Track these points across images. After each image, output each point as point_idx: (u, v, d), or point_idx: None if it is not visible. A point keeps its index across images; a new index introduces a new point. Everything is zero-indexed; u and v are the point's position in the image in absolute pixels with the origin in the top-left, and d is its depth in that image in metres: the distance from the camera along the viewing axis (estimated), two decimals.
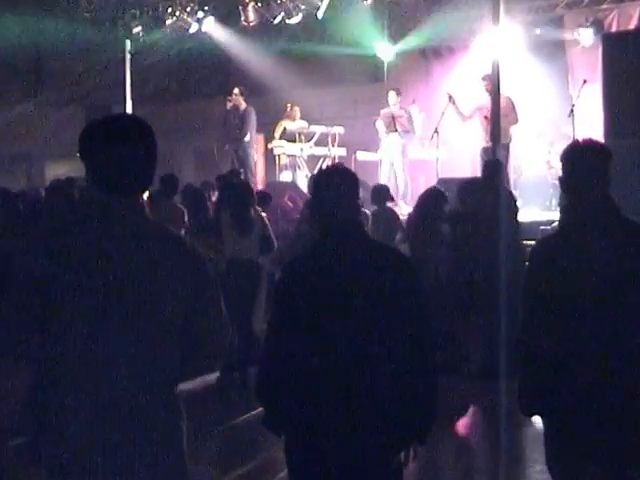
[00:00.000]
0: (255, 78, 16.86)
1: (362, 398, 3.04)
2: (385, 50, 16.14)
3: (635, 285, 3.27)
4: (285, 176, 14.52)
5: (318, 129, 14.44)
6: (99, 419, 2.56)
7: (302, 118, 14.58)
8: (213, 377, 7.47)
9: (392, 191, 10.32)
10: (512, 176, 11.55)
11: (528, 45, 14.04)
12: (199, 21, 15.80)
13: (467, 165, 13.35)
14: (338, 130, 14.33)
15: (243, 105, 14.03)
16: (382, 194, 9.48)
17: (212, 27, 15.97)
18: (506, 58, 11.22)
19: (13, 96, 20.52)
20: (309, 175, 13.41)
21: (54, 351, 2.59)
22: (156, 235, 2.73)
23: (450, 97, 11.95)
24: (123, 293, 2.59)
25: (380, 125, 13.21)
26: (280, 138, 14.46)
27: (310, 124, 14.52)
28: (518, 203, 9.00)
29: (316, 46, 16.70)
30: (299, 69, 16.43)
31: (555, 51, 14.08)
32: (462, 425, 7.02)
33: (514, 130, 11.69)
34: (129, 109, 16.02)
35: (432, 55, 15.62)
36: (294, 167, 14.47)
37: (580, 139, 3.77)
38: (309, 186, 10.80)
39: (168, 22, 15.98)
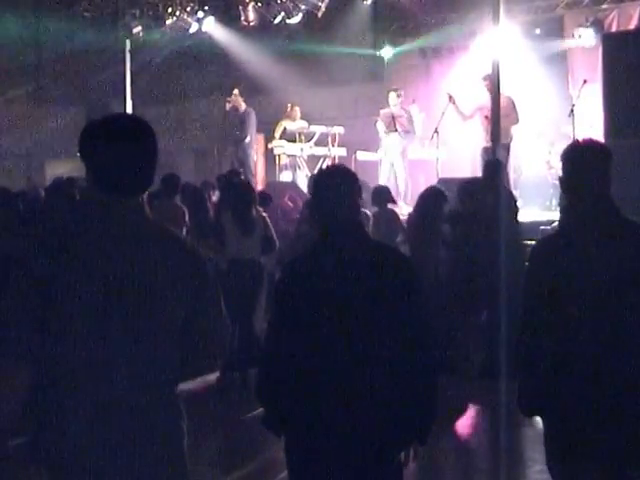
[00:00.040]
0: (255, 78, 16.87)
1: (362, 398, 3.04)
2: (385, 50, 16.15)
3: (635, 285, 3.27)
4: (285, 176, 14.52)
5: (318, 129, 14.44)
6: (99, 419, 2.56)
7: (302, 118, 14.59)
8: (213, 377, 7.47)
9: (392, 191, 10.32)
10: (512, 176, 11.55)
11: (528, 45, 14.04)
12: (199, 21, 15.82)
13: (467, 165, 13.35)
14: (338, 130, 14.33)
15: (243, 106, 14.03)
16: (383, 195, 9.48)
17: (212, 27, 15.98)
18: (506, 58, 11.22)
19: (13, 96, 20.50)
20: (309, 175, 13.41)
21: (54, 351, 2.58)
22: (156, 235, 2.73)
23: (450, 97, 11.95)
24: (123, 293, 2.59)
25: (380, 125, 13.21)
26: (280, 138, 14.46)
27: (310, 124, 14.52)
28: (518, 203, 9.00)
29: (316, 46, 16.70)
30: (299, 69, 16.43)
31: (555, 51, 14.09)
32: (462, 425, 7.02)
33: (515, 130, 11.70)
34: (129, 109, 16.02)
35: (432, 55, 15.63)
36: (294, 167, 14.47)
37: (580, 139, 3.77)
38: (309, 186, 10.80)
39: (168, 22, 16.00)
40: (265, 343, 3.32)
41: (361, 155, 13.92)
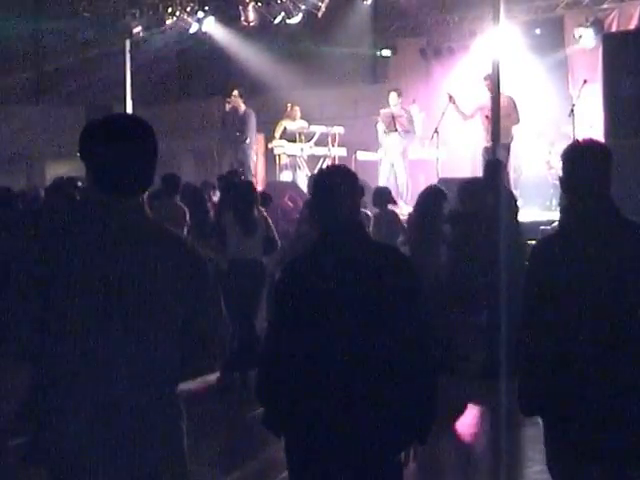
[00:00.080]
0: (255, 78, 16.86)
1: (362, 398, 3.04)
2: (385, 50, 16.14)
3: (635, 285, 3.27)
4: (285, 176, 14.52)
5: (318, 129, 14.44)
6: (99, 419, 2.56)
7: (302, 118, 14.58)
8: (213, 377, 7.47)
9: (392, 191, 10.32)
10: (512, 176, 11.55)
11: (528, 45, 14.04)
12: (199, 21, 15.81)
13: (467, 165, 13.36)
14: (338, 130, 14.33)
15: (242, 107, 14.03)
16: (383, 196, 9.48)
17: (212, 27, 15.97)
18: (506, 58, 11.22)
19: (13, 96, 20.51)
20: (309, 175, 13.41)
21: (54, 351, 2.59)
22: (156, 235, 2.73)
23: (450, 97, 11.95)
24: (123, 293, 2.59)
25: (380, 126, 13.22)
26: (280, 138, 14.46)
27: (310, 124, 14.52)
28: (518, 203, 9.00)
29: (316, 46, 16.70)
30: (299, 69, 16.43)
31: (555, 51, 14.07)
32: (462, 425, 7.02)
33: (515, 130, 11.70)
34: (129, 109, 16.02)
35: (432, 55, 15.62)
36: (294, 167, 14.47)
37: (580, 139, 3.77)
38: (309, 186, 10.80)
39: (168, 22, 15.99)
40: (265, 343, 3.32)
41: (361, 155, 13.92)
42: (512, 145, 11.67)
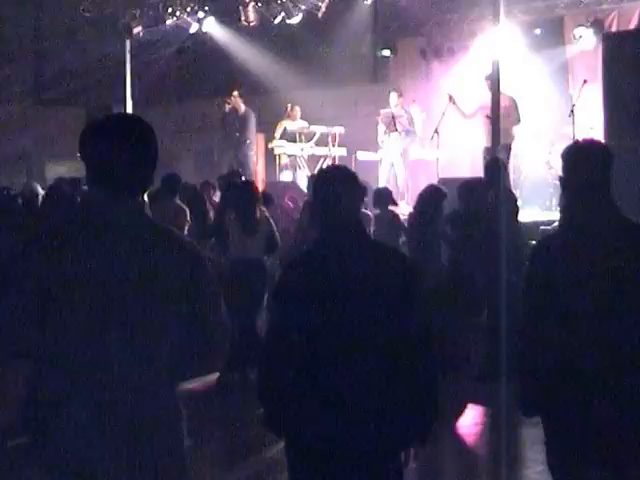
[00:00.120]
0: (255, 78, 16.86)
1: (362, 398, 3.04)
2: (385, 50, 16.13)
3: (635, 285, 3.27)
4: (285, 176, 14.52)
5: (318, 129, 14.43)
6: (99, 419, 2.56)
7: (302, 118, 14.58)
8: (213, 377, 7.47)
9: (392, 191, 10.32)
10: (512, 176, 11.55)
11: (528, 45, 14.03)
12: (199, 21, 15.80)
13: (467, 165, 13.35)
14: (338, 130, 14.33)
15: (242, 108, 14.03)
16: (384, 197, 9.48)
17: (212, 27, 15.97)
18: (506, 58, 11.22)
19: (13, 96, 20.50)
20: (309, 175, 13.41)
21: (54, 351, 2.59)
22: (156, 235, 2.73)
23: (450, 97, 11.95)
24: (123, 293, 2.59)
25: (381, 126, 13.23)
26: (280, 138, 14.46)
27: (310, 124, 14.52)
28: (518, 203, 9.00)
29: (316, 46, 16.70)
30: (299, 69, 16.43)
31: (555, 51, 14.07)
32: (462, 425, 7.02)
33: (516, 130, 11.70)
34: (129, 109, 16.01)
35: (432, 55, 15.61)
36: (294, 167, 14.48)
37: (581, 139, 3.78)
38: (309, 186, 10.81)
39: (168, 22, 15.97)
40: (265, 343, 3.32)
41: (361, 155, 13.92)
42: (512, 145, 11.67)
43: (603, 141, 6.76)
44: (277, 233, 8.28)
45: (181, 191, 9.31)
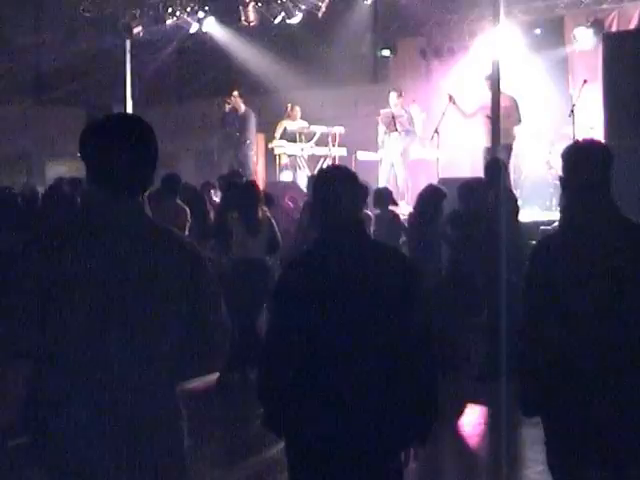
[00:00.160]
0: (255, 78, 16.87)
1: (362, 398, 3.04)
2: (385, 50, 16.14)
3: (635, 285, 3.27)
4: (285, 176, 14.52)
5: (318, 129, 14.44)
6: (99, 419, 2.56)
7: (302, 118, 14.58)
8: (213, 377, 7.47)
9: (393, 191, 10.32)
10: (512, 176, 11.55)
11: (528, 45, 14.04)
12: (200, 21, 15.81)
13: (467, 165, 13.34)
14: (338, 130, 14.33)
15: (242, 108, 14.04)
16: (384, 197, 9.49)
17: (213, 27, 15.97)
18: (506, 58, 11.22)
19: (13, 96, 20.51)
20: (310, 175, 13.42)
21: (54, 351, 2.59)
22: (156, 235, 2.73)
23: (450, 97, 11.95)
24: (123, 294, 2.59)
25: (381, 127, 13.23)
26: (280, 138, 14.46)
27: (310, 124, 14.52)
28: (518, 203, 9.00)
29: (316, 46, 16.70)
30: (299, 69, 16.43)
31: (555, 51, 14.07)
32: (462, 425, 7.02)
33: (517, 130, 11.71)
34: (129, 109, 16.01)
35: (432, 55, 15.61)
36: (294, 167, 14.48)
37: (581, 139, 3.78)
38: (308, 186, 10.81)
39: (168, 22, 15.97)
40: (265, 343, 3.32)
41: (361, 155, 13.92)
42: (513, 145, 11.67)
43: (603, 141, 6.76)
44: (278, 233, 8.30)
45: (181, 191, 9.30)
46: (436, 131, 11.90)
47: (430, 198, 8.51)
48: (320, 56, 16.79)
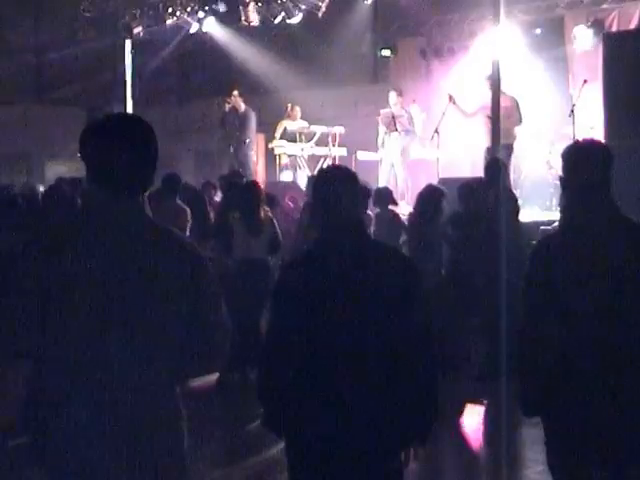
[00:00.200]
0: (255, 78, 16.87)
1: (363, 398, 3.04)
2: (385, 50, 16.14)
3: (635, 285, 3.27)
4: (285, 176, 14.53)
5: (319, 129, 14.44)
6: (99, 419, 2.56)
7: (302, 118, 14.59)
8: (213, 377, 7.47)
9: (393, 191, 10.32)
10: (512, 176, 11.55)
11: (528, 45, 14.03)
12: (200, 21, 15.81)
13: (467, 165, 13.35)
14: (339, 130, 14.33)
15: (242, 107, 14.04)
16: (385, 197, 9.48)
17: (213, 27, 15.97)
18: (506, 58, 11.21)
19: (13, 96, 20.51)
20: (310, 175, 13.42)
21: (54, 351, 2.59)
22: (156, 235, 2.73)
23: (450, 97, 11.95)
24: (123, 293, 2.59)
25: (381, 127, 13.24)
26: (281, 138, 14.46)
27: (311, 124, 14.52)
28: (518, 202, 9.00)
29: (316, 46, 16.70)
30: (299, 69, 16.43)
31: (555, 51, 14.07)
32: (462, 425, 7.02)
33: (518, 130, 11.71)
34: (129, 109, 16.02)
35: (432, 55, 15.61)
36: (295, 167, 14.48)
37: (581, 139, 3.78)
38: (307, 186, 10.81)
39: (168, 22, 15.98)
40: (265, 343, 3.32)
41: (361, 155, 13.92)
42: (514, 145, 11.68)
43: (603, 141, 6.76)
44: (280, 234, 8.31)
45: (181, 191, 9.30)
46: (436, 131, 11.90)
47: (430, 198, 8.51)
48: (320, 56, 16.79)
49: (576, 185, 3.42)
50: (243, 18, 15.18)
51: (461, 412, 7.23)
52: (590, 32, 13.28)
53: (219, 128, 14.70)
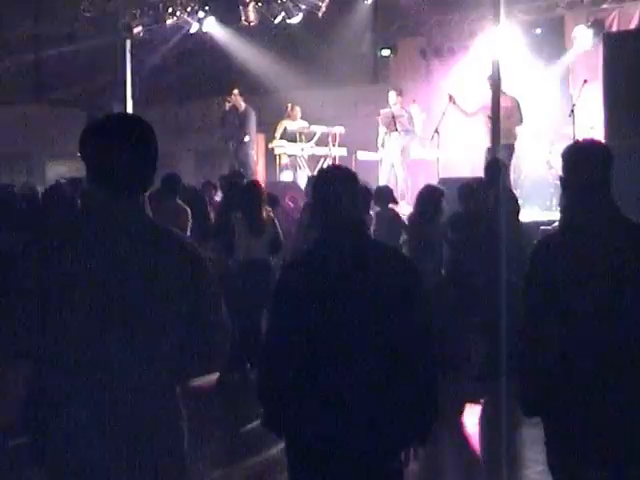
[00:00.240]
0: (255, 78, 16.87)
1: (362, 399, 3.04)
2: (385, 50, 16.15)
3: (635, 285, 3.27)
4: (286, 176, 14.53)
5: (319, 129, 14.44)
6: (99, 419, 2.56)
7: (303, 118, 14.59)
8: (213, 377, 7.47)
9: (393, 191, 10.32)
10: (512, 176, 11.55)
11: (528, 45, 14.04)
12: (200, 21, 15.81)
13: (467, 165, 13.35)
14: (339, 130, 14.33)
15: (242, 106, 14.04)
16: (385, 195, 9.48)
17: (213, 27, 15.97)
18: (506, 58, 11.21)
19: (13, 96, 20.51)
20: (310, 175, 13.42)
21: (53, 352, 2.58)
22: (156, 235, 2.73)
23: (450, 97, 11.95)
24: (123, 294, 2.59)
25: (381, 128, 13.24)
26: (281, 138, 14.46)
27: (311, 124, 14.52)
28: (519, 203, 9.00)
29: (316, 46, 16.70)
30: (299, 69, 16.44)
31: (555, 51, 14.08)
32: (462, 425, 7.02)
33: (519, 130, 11.71)
34: (129, 109, 16.02)
35: (432, 55, 15.62)
36: (295, 167, 14.48)
37: (581, 139, 3.77)
38: (307, 186, 10.81)
39: (168, 22, 15.98)
40: (265, 343, 3.32)
41: (361, 155, 13.93)
42: (515, 145, 11.68)
43: (603, 141, 6.76)
44: (281, 234, 8.32)
45: (181, 191, 9.30)
46: (436, 131, 11.90)
47: (430, 198, 8.51)
48: (320, 56, 16.79)
49: (576, 185, 3.42)
50: (243, 18, 15.18)
51: (461, 412, 7.23)
52: (590, 32, 13.29)
53: (219, 127, 14.71)
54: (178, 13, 15.81)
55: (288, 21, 15.08)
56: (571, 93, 12.97)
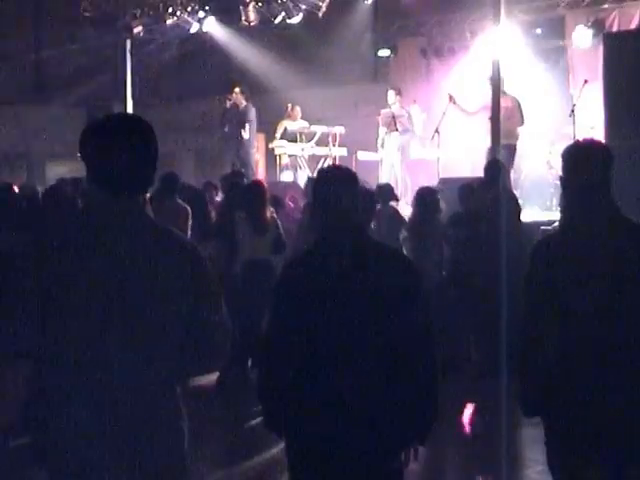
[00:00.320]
0: (255, 78, 16.87)
1: (362, 398, 3.04)
2: (385, 50, 16.15)
3: (635, 285, 3.27)
4: (286, 176, 14.53)
5: (319, 129, 14.44)
6: (99, 419, 2.56)
7: (303, 118, 14.59)
8: (213, 377, 7.47)
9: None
10: (513, 176, 11.55)
11: (529, 45, 14.03)
12: (200, 21, 15.81)
13: (468, 165, 13.34)
14: (339, 130, 14.34)
15: (243, 104, 14.04)
16: (386, 193, 9.49)
17: (213, 27, 15.97)
18: (507, 58, 11.21)
19: (13, 96, 20.50)
20: (310, 175, 13.42)
21: (54, 351, 2.59)
22: (156, 235, 2.73)
23: (451, 97, 11.95)
24: (123, 294, 2.59)
25: (382, 128, 13.25)
26: (281, 138, 14.47)
27: (311, 124, 14.53)
28: (519, 203, 9.00)
29: (316, 46, 16.70)
30: (299, 69, 16.43)
31: (556, 51, 14.07)
32: (462, 425, 7.02)
33: (520, 131, 11.71)
34: (129, 109, 16.02)
35: (433, 55, 15.61)
36: (295, 167, 14.48)
37: (581, 139, 3.77)
38: (307, 187, 10.81)
39: (169, 22, 15.98)
40: (265, 343, 3.32)
41: (362, 155, 13.93)
42: (516, 145, 11.68)
43: (603, 141, 6.76)
44: (283, 234, 8.32)
45: (180, 190, 9.29)
46: (436, 131, 11.90)
47: (428, 198, 8.51)
48: (320, 56, 16.78)
49: (576, 185, 3.42)
50: (243, 18, 15.18)
51: (461, 412, 7.23)
52: (590, 32, 13.27)
53: (219, 126, 14.70)
54: (178, 13, 15.81)
55: (288, 21, 15.08)
56: (571, 93, 12.97)
